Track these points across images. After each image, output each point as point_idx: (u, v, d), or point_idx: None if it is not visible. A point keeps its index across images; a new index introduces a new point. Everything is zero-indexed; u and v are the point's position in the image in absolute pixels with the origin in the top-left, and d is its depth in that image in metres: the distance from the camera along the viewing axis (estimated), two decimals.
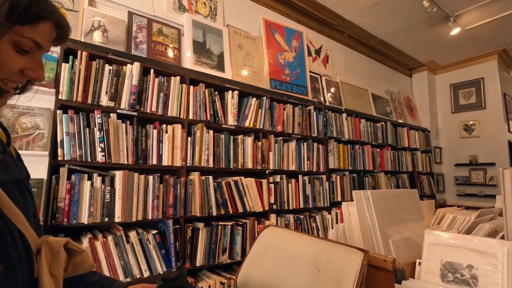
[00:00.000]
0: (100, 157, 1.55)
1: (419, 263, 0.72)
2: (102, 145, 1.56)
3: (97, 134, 1.56)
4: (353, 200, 0.92)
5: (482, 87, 4.30)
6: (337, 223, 2.70)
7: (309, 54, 3.12)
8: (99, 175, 1.55)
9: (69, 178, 1.46)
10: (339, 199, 2.80)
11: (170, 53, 2.09)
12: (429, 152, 4.30)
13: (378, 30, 3.64)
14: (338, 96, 3.27)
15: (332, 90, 3.23)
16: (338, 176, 2.83)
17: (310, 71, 3.02)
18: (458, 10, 3.25)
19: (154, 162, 1.76)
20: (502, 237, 0.91)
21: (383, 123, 3.52)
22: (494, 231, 1.04)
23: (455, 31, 3.43)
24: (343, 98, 3.30)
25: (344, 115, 3.04)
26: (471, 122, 4.36)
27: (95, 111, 1.56)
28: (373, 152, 3.29)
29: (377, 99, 3.85)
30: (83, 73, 1.55)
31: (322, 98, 3.09)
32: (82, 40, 1.74)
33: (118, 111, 1.66)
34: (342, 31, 3.50)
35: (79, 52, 1.56)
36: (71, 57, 1.54)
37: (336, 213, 2.69)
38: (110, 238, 1.52)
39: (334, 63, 3.44)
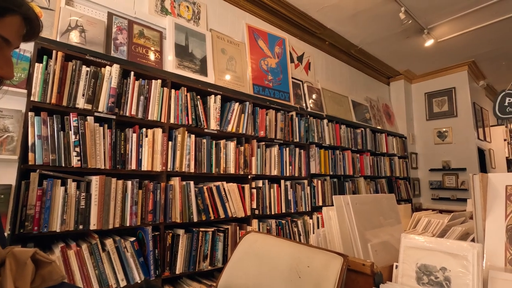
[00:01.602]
0: (75, 162, 1.48)
1: (396, 267, 0.74)
2: (77, 149, 1.50)
3: (72, 138, 1.49)
4: (333, 205, 0.94)
5: (454, 96, 4.54)
6: (318, 227, 2.73)
7: (292, 60, 3.17)
8: (73, 181, 1.48)
9: (40, 184, 1.38)
10: (320, 203, 2.84)
11: (152, 56, 2.05)
12: (406, 158, 4.47)
13: (358, 39, 3.76)
14: (320, 102, 3.33)
15: (314, 96, 3.29)
16: (319, 181, 2.87)
17: (292, 78, 3.06)
18: (431, 23, 3.42)
19: (133, 167, 1.70)
20: (473, 240, 0.95)
21: (362, 129, 3.62)
22: (466, 233, 1.09)
23: (429, 42, 3.61)
24: (324, 104, 3.37)
25: (325, 121, 3.10)
26: (444, 129, 4.57)
27: (71, 114, 1.50)
28: (353, 157, 3.37)
29: (357, 105, 3.96)
30: (58, 74, 1.49)
31: (304, 104, 3.14)
32: (58, 39, 1.67)
33: (96, 114, 1.60)
34: (323, 39, 3.59)
35: (54, 52, 1.49)
36: (45, 57, 1.48)
37: (318, 217, 2.72)
38: (84, 246, 1.45)
39: (315, 70, 3.52)
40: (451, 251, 0.67)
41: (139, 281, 1.60)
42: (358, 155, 3.47)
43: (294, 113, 2.76)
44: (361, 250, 0.80)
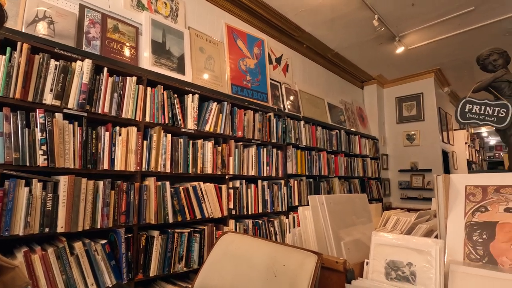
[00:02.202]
0: (41, 161, 1.40)
1: (367, 263, 0.77)
2: (44, 147, 1.41)
3: (39, 136, 1.41)
4: (309, 205, 0.96)
5: (422, 101, 4.81)
6: (294, 227, 2.78)
7: (270, 62, 3.21)
8: (39, 181, 1.39)
9: (1, 184, 1.29)
10: (297, 203, 2.89)
11: (127, 52, 1.98)
12: (378, 159, 4.67)
13: (334, 44, 3.88)
14: (297, 104, 3.39)
15: (291, 98, 3.34)
16: (295, 181, 2.92)
17: (270, 79, 3.10)
18: (402, 31, 3.61)
19: (106, 166, 1.64)
20: (436, 236, 1.01)
21: (337, 131, 3.74)
22: (430, 230, 1.16)
23: (400, 49, 3.80)
24: (301, 106, 3.44)
25: (302, 122, 3.16)
26: (413, 132, 4.83)
27: (37, 110, 1.41)
28: (328, 158, 3.47)
29: (333, 108, 4.08)
30: (24, 67, 1.40)
31: (281, 105, 3.18)
32: (23, 30, 1.57)
33: (65, 111, 1.52)
34: (301, 42, 3.66)
35: (19, 43, 1.40)
36: (9, 48, 1.38)
37: (294, 217, 2.76)
38: (50, 250, 1.37)
39: (293, 72, 3.58)
40: (417, 247, 0.71)
41: (110, 285, 1.54)
42: (333, 156, 3.57)
43: (272, 114, 2.79)
44: (334, 248, 0.83)
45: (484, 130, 8.92)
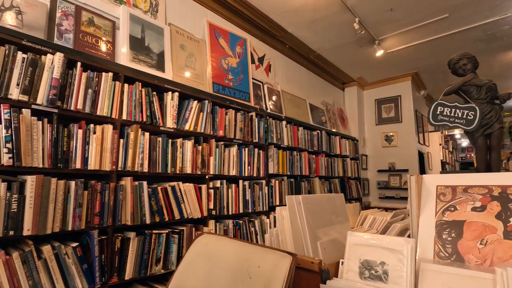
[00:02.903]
0: (5, 159, 1.31)
1: (342, 263, 0.78)
2: (9, 145, 1.33)
3: (3, 132, 1.32)
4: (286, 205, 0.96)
5: (400, 104, 4.97)
6: (275, 227, 2.79)
7: (253, 61, 3.20)
8: (3, 181, 1.31)
9: None
10: (278, 203, 2.90)
11: (103, 47, 1.91)
12: (357, 159, 4.77)
13: (316, 45, 3.92)
14: (279, 104, 3.40)
15: (274, 98, 3.35)
16: (277, 181, 2.93)
17: (253, 78, 3.09)
18: (382, 35, 3.71)
19: (78, 166, 1.56)
20: (409, 235, 1.04)
21: (318, 131, 3.78)
22: (405, 229, 1.19)
23: (379, 53, 3.91)
24: (283, 106, 3.45)
25: (284, 122, 3.18)
26: (391, 133, 4.98)
27: (1, 105, 1.32)
28: (309, 158, 3.51)
29: (314, 109, 4.13)
30: None
31: (264, 105, 3.18)
32: None
33: (34, 106, 1.44)
34: (284, 42, 3.67)
35: None
36: None
37: (274, 217, 2.77)
38: (15, 254, 1.29)
39: (276, 72, 3.58)
40: (390, 246, 0.72)
41: None
42: (314, 156, 3.61)
43: (254, 113, 2.78)
44: (310, 248, 0.83)
45: (457, 132, 9.36)
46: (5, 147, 1.32)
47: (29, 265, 1.32)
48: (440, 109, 1.36)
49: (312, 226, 0.87)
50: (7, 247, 1.36)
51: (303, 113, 3.83)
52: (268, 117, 2.95)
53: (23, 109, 1.39)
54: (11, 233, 1.30)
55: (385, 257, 0.72)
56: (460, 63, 1.78)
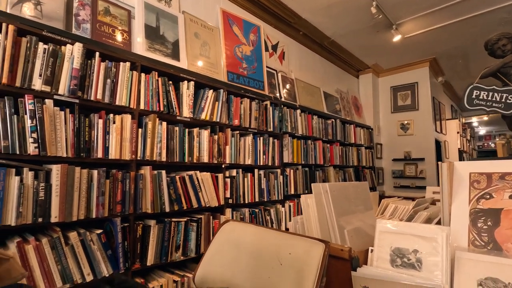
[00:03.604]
0: (32, 149, 1.35)
1: (371, 250, 0.77)
2: (34, 135, 1.36)
3: (28, 123, 1.35)
4: (306, 193, 0.95)
5: (416, 91, 4.82)
6: (290, 215, 2.80)
7: (266, 49, 3.14)
8: (30, 170, 1.34)
9: None
10: (292, 192, 2.90)
11: (119, 36, 1.91)
12: (372, 148, 4.70)
13: (331, 31, 3.82)
14: (293, 92, 3.36)
15: (288, 86, 3.30)
16: (291, 170, 2.92)
17: (266, 66, 3.04)
18: (400, 19, 3.57)
19: (100, 155, 1.59)
20: (437, 223, 1.02)
21: (333, 120, 3.73)
22: (429, 218, 1.17)
23: (397, 38, 3.77)
24: (297, 94, 3.40)
25: (298, 111, 3.14)
26: (406, 122, 4.86)
27: (26, 96, 1.35)
28: (324, 147, 3.47)
29: (328, 97, 4.06)
30: (10, 50, 1.32)
31: (278, 94, 3.14)
32: (8, 11, 1.48)
33: (56, 97, 1.46)
34: (298, 29, 3.59)
35: (4, 25, 1.32)
36: None
37: (290, 206, 2.78)
38: (45, 240, 1.34)
39: (290, 60, 3.52)
40: (423, 234, 0.71)
41: (107, 275, 1.52)
42: (328, 145, 3.57)
43: (268, 102, 2.75)
44: (338, 236, 0.82)
45: (474, 120, 9.06)
46: (31, 137, 1.35)
47: (57, 251, 1.37)
48: (476, 92, 1.30)
49: (338, 214, 0.86)
50: (36, 234, 1.41)
51: (317, 102, 3.77)
52: (282, 106, 2.92)
53: (46, 100, 1.42)
54: (40, 220, 1.35)
55: (418, 245, 0.70)
56: (499, 43, 1.67)
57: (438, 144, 4.98)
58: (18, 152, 1.32)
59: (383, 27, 3.69)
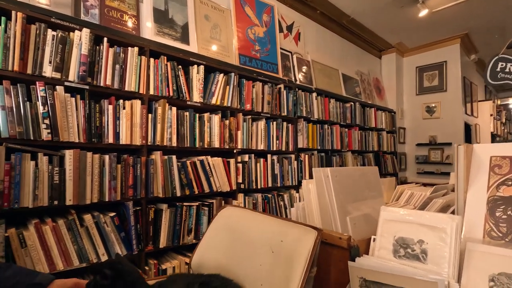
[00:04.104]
0: (45, 135, 1.39)
1: (374, 240, 0.71)
2: (47, 121, 1.40)
3: (41, 109, 1.39)
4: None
5: (445, 71, 4.48)
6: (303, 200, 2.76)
7: (281, 30, 3.02)
8: (45, 155, 1.39)
9: (8, 158, 1.30)
10: (307, 177, 2.84)
11: (127, 21, 1.89)
12: (394, 133, 4.49)
13: (350, 9, 3.59)
14: (309, 75, 3.23)
15: (303, 68, 3.18)
16: (306, 155, 2.86)
17: (281, 48, 2.93)
18: None
19: (111, 140, 1.62)
20: (453, 212, 0.93)
21: (352, 103, 3.57)
22: (447, 205, 1.08)
23: (423, 12, 3.48)
24: (314, 77, 3.28)
25: (314, 94, 3.02)
26: (433, 104, 4.57)
27: (37, 83, 1.38)
28: (342, 132, 3.35)
29: (347, 79, 3.88)
30: (20, 38, 1.35)
31: (292, 77, 3.04)
32: None
33: (66, 83, 1.49)
34: (314, 8, 3.41)
35: (13, 12, 1.34)
36: (3, 18, 1.33)
37: None
38: (61, 222, 1.41)
39: (306, 41, 3.37)
40: (430, 223, 0.64)
41: (122, 255, 1.58)
42: (346, 129, 3.44)
43: (282, 85, 2.67)
44: (339, 223, 0.77)
45: None
46: (44, 123, 1.39)
47: (73, 232, 1.44)
48: (502, 65, 1.16)
49: (342, 200, 0.81)
50: (54, 216, 1.48)
51: (335, 84, 3.61)
52: (297, 89, 2.82)
53: (57, 86, 1.45)
54: (56, 202, 1.41)
55: (424, 235, 0.64)
56: None
57: (468, 128, 4.65)
58: (32, 138, 1.36)
59: (408, 1, 3.41)
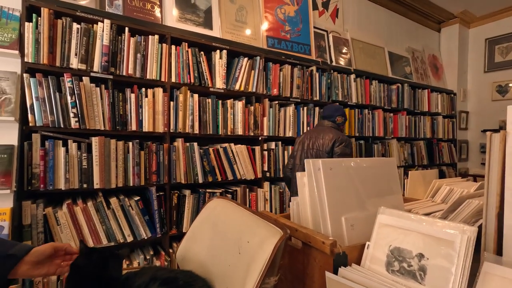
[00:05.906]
0: (73, 123, 1.50)
1: (368, 246, 0.59)
2: (74, 110, 1.50)
3: (69, 99, 1.49)
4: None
5: None
6: None
7: (315, 7, 2.79)
8: (74, 141, 1.51)
9: (42, 145, 1.43)
10: None
11: (150, 9, 1.91)
12: (453, 117, 3.92)
13: None
14: (348, 55, 2.95)
15: (341, 48, 2.91)
16: None
17: (315, 27, 2.72)
18: None
19: (134, 128, 1.69)
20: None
21: (399, 84, 3.19)
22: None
23: None
24: (353, 57, 2.99)
25: (353, 76, 2.76)
26: (506, 83, 3.85)
27: (65, 74, 1.48)
28: (385, 117, 3.03)
29: (395, 58, 3.46)
30: (47, 32, 1.45)
31: (328, 58, 2.81)
32: None
33: (92, 74, 1.57)
34: None
35: (42, 9, 1.44)
36: (34, 15, 1.44)
37: None
38: (90, 203, 1.52)
39: (345, 17, 3.07)
40: (434, 233, 0.50)
41: (145, 238, 1.66)
42: (391, 114, 3.10)
43: (314, 67, 2.48)
44: (329, 224, 0.66)
45: None
46: (72, 112, 1.49)
47: (101, 213, 1.55)
48: None
49: (337, 198, 0.69)
50: (86, 197, 1.61)
51: (380, 64, 3.25)
52: (332, 71, 2.60)
53: (83, 77, 1.53)
54: (85, 186, 1.53)
55: (426, 247, 0.50)
56: None
57: None
58: (62, 126, 1.48)
59: None
